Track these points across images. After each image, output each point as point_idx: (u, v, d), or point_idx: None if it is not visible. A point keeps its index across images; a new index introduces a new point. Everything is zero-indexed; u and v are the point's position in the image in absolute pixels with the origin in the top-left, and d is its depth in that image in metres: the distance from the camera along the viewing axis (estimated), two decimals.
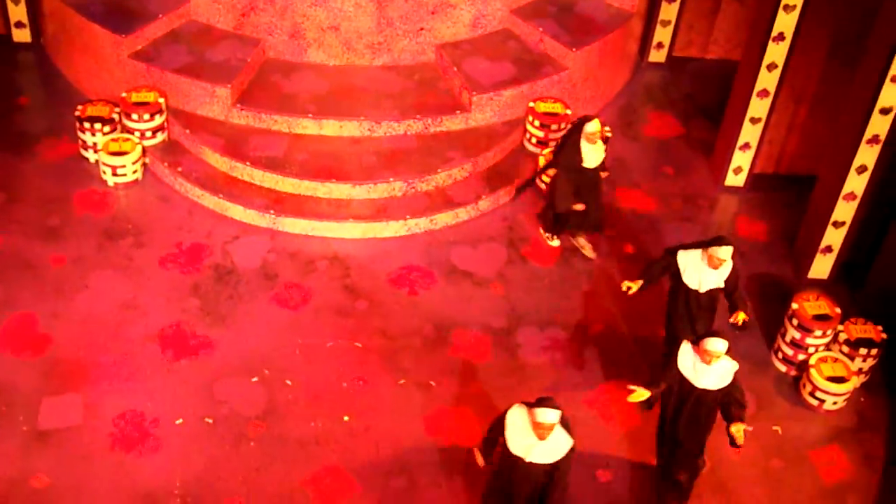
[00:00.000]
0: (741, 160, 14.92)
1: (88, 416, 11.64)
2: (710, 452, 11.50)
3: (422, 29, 15.41)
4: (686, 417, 10.59)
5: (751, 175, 15.07)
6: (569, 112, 14.99)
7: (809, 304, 12.67)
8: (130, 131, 14.67)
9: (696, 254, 11.42)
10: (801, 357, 12.67)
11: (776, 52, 13.86)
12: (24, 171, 14.65)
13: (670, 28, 16.91)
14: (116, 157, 14.35)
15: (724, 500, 11.43)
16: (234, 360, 12.31)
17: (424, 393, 12.12)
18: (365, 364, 12.45)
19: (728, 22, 16.97)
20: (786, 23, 13.59)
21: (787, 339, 12.67)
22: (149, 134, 14.68)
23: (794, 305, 12.63)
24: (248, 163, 14.28)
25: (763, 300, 13.60)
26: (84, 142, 14.76)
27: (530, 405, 9.66)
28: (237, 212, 14.12)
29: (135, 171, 14.53)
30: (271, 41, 15.38)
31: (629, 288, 11.71)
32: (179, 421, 11.69)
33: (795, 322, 12.55)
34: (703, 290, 11.47)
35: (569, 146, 13.30)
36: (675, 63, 17.32)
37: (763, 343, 13.08)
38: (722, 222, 14.73)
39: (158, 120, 14.66)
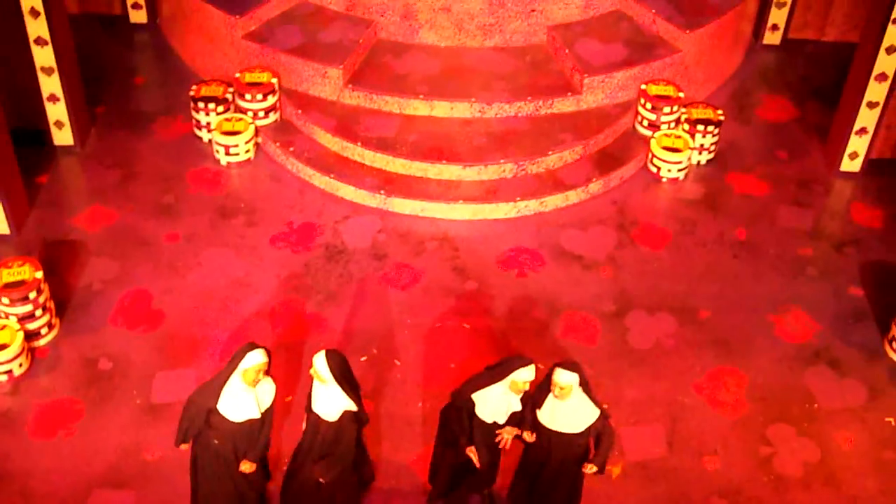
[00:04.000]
0: (857, 145, 14.61)
1: None
2: (820, 442, 11.42)
3: (533, 10, 15.33)
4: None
5: (867, 160, 14.77)
6: (681, 95, 14.83)
7: None
8: (243, 111, 14.84)
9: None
10: None
11: None
12: (139, 149, 14.92)
13: (786, 9, 16.68)
14: (229, 137, 14.52)
15: (834, 492, 11.21)
16: (343, 339, 12.37)
17: None
18: (473, 345, 12.46)
19: (846, 3, 16.66)
20: None
21: None
22: (261, 114, 14.83)
23: None
24: (359, 143, 14.34)
25: (877, 288, 13.30)
26: (198, 121, 14.96)
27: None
28: (348, 192, 14.20)
29: (247, 151, 14.69)
30: (383, 22, 15.42)
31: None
32: (289, 398, 11.80)
33: None
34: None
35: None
36: (790, 45, 17.08)
37: (877, 332, 12.78)
38: (836, 207, 14.46)
39: (271, 100, 14.80)
